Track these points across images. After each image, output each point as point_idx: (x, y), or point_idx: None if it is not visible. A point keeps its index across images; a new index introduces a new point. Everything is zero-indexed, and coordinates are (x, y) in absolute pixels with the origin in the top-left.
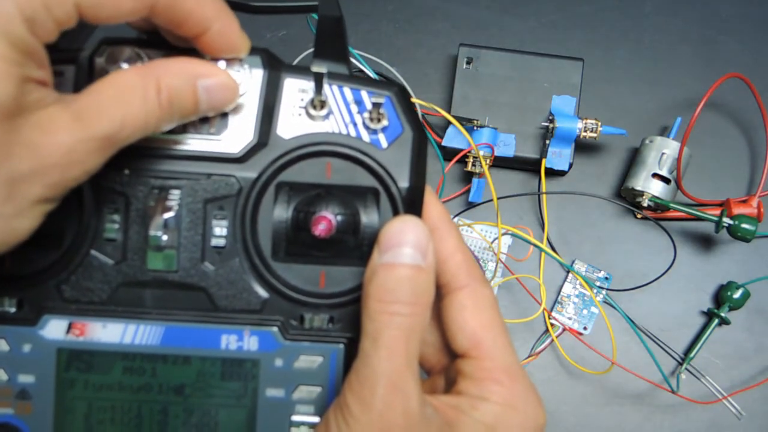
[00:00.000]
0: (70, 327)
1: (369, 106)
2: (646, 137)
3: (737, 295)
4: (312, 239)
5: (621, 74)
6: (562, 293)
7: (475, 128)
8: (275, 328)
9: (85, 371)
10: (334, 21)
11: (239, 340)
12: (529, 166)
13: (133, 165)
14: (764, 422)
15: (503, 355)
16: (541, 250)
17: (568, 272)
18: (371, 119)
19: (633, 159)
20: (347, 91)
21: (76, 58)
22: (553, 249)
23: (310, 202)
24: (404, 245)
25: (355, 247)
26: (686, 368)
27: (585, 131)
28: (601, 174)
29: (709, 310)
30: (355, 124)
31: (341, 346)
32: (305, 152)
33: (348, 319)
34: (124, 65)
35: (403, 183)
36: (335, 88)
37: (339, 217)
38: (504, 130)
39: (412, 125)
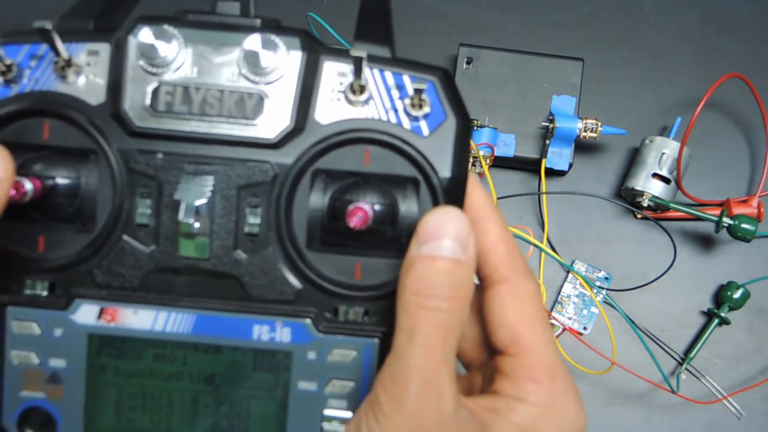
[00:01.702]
0: (101, 312)
1: (411, 91)
2: (646, 137)
3: (737, 295)
4: (348, 229)
5: (621, 74)
6: (562, 293)
7: (475, 128)
8: (308, 320)
9: (116, 357)
10: (376, 1)
11: (271, 331)
12: (529, 166)
13: (167, 149)
14: (764, 422)
15: (544, 353)
16: (541, 250)
17: (568, 272)
18: (413, 105)
19: (633, 159)
20: (389, 75)
21: (110, 37)
22: (553, 249)
23: (346, 190)
24: (444, 237)
25: (393, 238)
26: (686, 368)
27: (585, 131)
28: (601, 174)
29: (709, 310)
30: (395, 111)
31: (376, 340)
32: (343, 139)
33: (383, 313)
34: (160, 43)
35: (445, 173)
36: (376, 72)
37: (376, 207)
38: (504, 130)
39: (455, 112)
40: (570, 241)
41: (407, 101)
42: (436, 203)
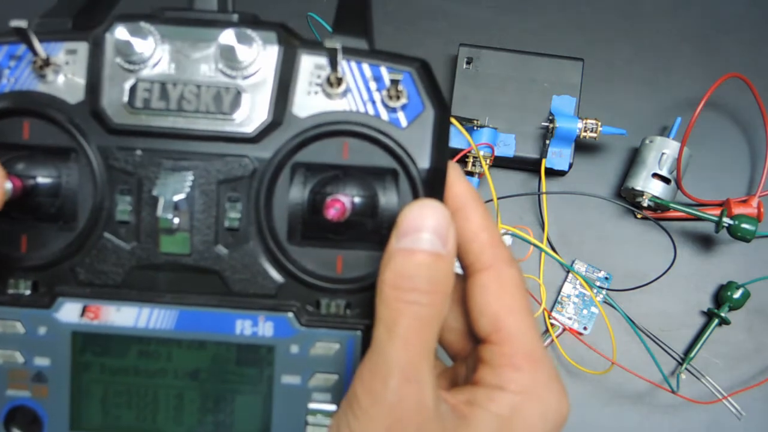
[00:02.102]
0: (84, 310)
1: (388, 82)
2: (646, 137)
3: (737, 295)
4: (328, 222)
5: (621, 74)
6: (562, 293)
7: (475, 128)
8: (290, 314)
9: (101, 354)
10: None
11: (254, 326)
12: (529, 166)
13: (145, 145)
14: (764, 422)
15: (525, 340)
16: (541, 250)
17: (568, 272)
18: (389, 97)
19: (633, 159)
20: (366, 67)
21: (88, 35)
22: (553, 249)
23: (326, 183)
24: (424, 230)
25: (374, 230)
26: (686, 368)
27: (585, 131)
28: (601, 174)
29: (709, 310)
30: (373, 102)
31: (359, 333)
32: (321, 131)
33: (366, 305)
34: (136, 40)
35: (424, 164)
36: (353, 64)
37: (356, 200)
38: (504, 130)
39: (433, 103)
40: (570, 241)
41: (384, 93)
42: (415, 194)
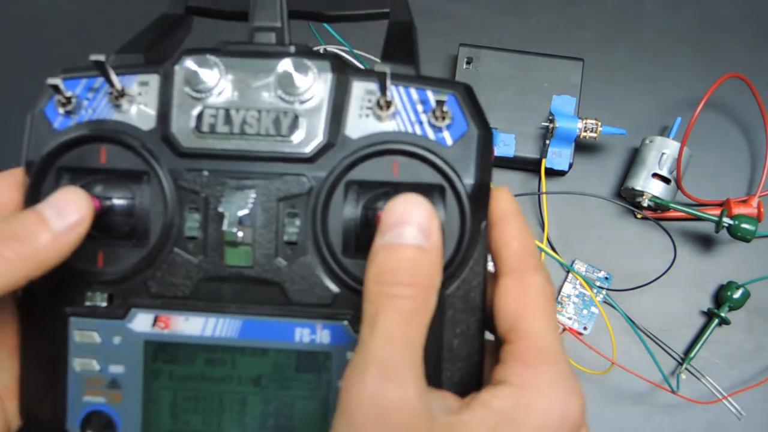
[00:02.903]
0: (155, 320)
1: (434, 104)
2: (646, 137)
3: (737, 295)
4: None
5: (621, 74)
6: (562, 293)
7: None
8: (346, 322)
9: (171, 362)
10: (404, 26)
11: (312, 333)
12: (529, 166)
13: (211, 167)
14: (764, 422)
15: (540, 338)
16: (541, 250)
17: (568, 272)
18: (435, 117)
19: (633, 159)
20: (413, 91)
21: (159, 68)
22: (553, 249)
23: (377, 199)
24: (406, 225)
25: None
26: (686, 368)
27: (585, 131)
28: (601, 174)
29: (709, 310)
30: (420, 123)
31: None
32: (372, 151)
33: None
34: (203, 70)
35: (469, 179)
36: (401, 88)
37: None
38: (504, 130)
39: (477, 122)
40: (570, 241)
41: (431, 114)
42: (461, 208)
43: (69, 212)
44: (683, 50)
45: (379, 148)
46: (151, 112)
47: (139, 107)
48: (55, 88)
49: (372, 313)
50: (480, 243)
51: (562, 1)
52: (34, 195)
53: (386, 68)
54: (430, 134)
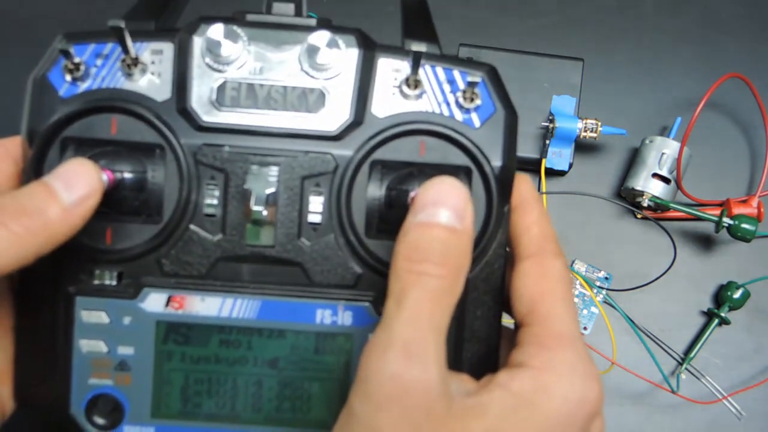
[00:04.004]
0: (169, 300)
1: (462, 85)
2: (646, 137)
3: (737, 295)
4: (403, 216)
5: (621, 74)
6: None
7: None
8: (368, 304)
9: (183, 344)
10: (417, 2)
11: (333, 315)
12: (529, 166)
13: (232, 142)
14: (764, 422)
15: (558, 321)
16: None
17: None
18: (465, 98)
19: (633, 159)
20: (440, 70)
21: (173, 36)
22: None
23: (403, 180)
24: (441, 205)
25: None
26: (686, 368)
27: (585, 131)
28: (601, 174)
29: (709, 310)
30: (447, 104)
31: None
32: (399, 131)
33: None
34: (227, 42)
35: (496, 162)
36: (428, 67)
37: None
38: None
39: (504, 105)
40: (570, 241)
41: (459, 94)
42: (488, 191)
43: (79, 185)
44: (683, 50)
45: (408, 128)
46: (165, 83)
47: (151, 76)
48: (65, 53)
49: (399, 291)
50: (503, 226)
51: (562, 1)
52: (37, 166)
53: (422, 47)
54: (458, 115)
